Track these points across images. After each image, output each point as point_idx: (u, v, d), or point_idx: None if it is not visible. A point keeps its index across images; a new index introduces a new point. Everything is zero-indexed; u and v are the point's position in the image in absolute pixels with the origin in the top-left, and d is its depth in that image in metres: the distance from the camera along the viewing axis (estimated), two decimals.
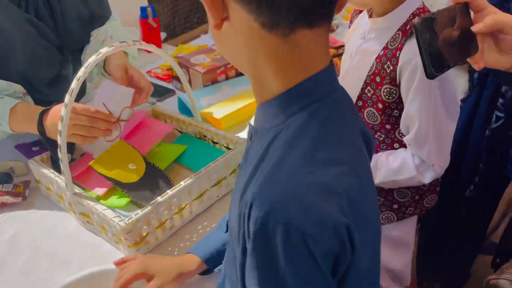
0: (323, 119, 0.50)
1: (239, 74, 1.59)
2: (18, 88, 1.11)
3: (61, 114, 0.85)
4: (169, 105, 1.45)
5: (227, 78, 1.56)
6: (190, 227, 0.97)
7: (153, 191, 0.96)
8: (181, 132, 1.24)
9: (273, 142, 0.51)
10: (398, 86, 0.95)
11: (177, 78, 1.58)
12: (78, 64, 1.23)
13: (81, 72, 0.85)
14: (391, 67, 0.94)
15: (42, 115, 1.00)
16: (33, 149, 1.23)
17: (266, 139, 0.53)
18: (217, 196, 1.04)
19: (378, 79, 0.98)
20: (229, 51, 0.56)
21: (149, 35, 2.81)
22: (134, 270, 0.77)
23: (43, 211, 1.02)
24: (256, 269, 0.46)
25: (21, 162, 1.14)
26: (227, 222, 0.85)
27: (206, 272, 0.82)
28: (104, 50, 0.88)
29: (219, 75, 1.53)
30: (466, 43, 0.66)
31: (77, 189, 0.92)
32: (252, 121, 0.62)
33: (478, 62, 0.69)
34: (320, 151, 0.48)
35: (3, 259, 0.89)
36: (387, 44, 0.95)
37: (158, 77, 1.69)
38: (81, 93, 1.36)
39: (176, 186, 0.91)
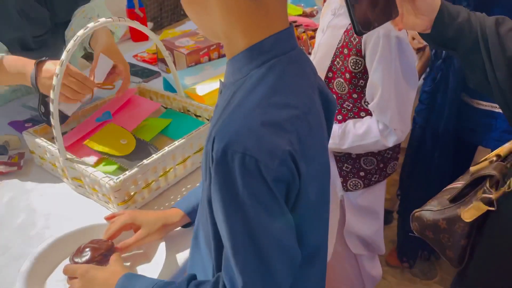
0: (279, 72, 0.59)
1: (221, 56, 1.67)
2: (1, 46, 1.16)
3: (54, 79, 0.92)
4: (154, 85, 1.51)
5: (210, 60, 1.64)
6: (175, 189, 1.05)
7: (142, 159, 1.03)
8: (166, 108, 1.32)
9: (235, 93, 0.59)
10: (363, 57, 1.04)
11: (162, 60, 1.66)
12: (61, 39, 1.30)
13: (70, 45, 0.93)
14: (357, 39, 1.03)
15: (36, 66, 1.05)
16: (26, 125, 1.30)
17: (231, 91, 0.61)
18: (199, 162, 1.12)
19: (345, 51, 1.07)
20: (201, 16, 0.63)
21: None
22: (122, 221, 0.85)
23: (38, 179, 1.10)
24: (219, 191, 0.54)
25: (15, 136, 1.21)
26: None
27: (189, 225, 0.90)
28: (91, 25, 0.95)
29: (202, 57, 1.61)
30: (388, 7, 0.75)
31: (69, 155, 1.00)
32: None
33: (398, 25, 0.79)
34: (275, 96, 0.56)
35: (1, 220, 0.97)
36: None
37: (144, 61, 1.77)
38: None
39: (161, 151, 1.00)
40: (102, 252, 0.80)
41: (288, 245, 0.57)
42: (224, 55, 1.68)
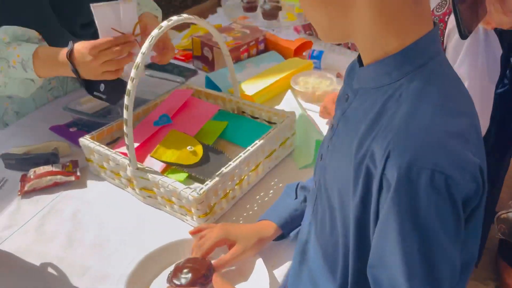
0: (442, 75, 0.54)
1: (259, 52, 1.61)
2: (33, 33, 1.09)
3: (128, 88, 0.85)
4: (192, 85, 1.45)
5: (249, 56, 1.57)
6: (249, 197, 0.99)
7: (213, 167, 0.97)
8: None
9: (390, 99, 0.54)
10: (444, 50, 1.00)
11: (198, 58, 1.59)
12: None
13: (145, 47, 0.85)
14: (439, 32, 0.99)
15: (69, 56, 1.00)
16: (71, 130, 1.22)
17: (377, 97, 0.56)
18: (269, 168, 1.06)
19: None
20: (334, 18, 0.57)
21: None
22: (216, 237, 0.80)
23: (97, 189, 1.03)
24: (397, 211, 0.49)
25: (64, 142, 1.14)
26: (296, 189, 0.88)
27: (280, 237, 0.85)
28: (164, 24, 0.88)
29: (242, 53, 1.54)
30: (479, 6, 0.71)
31: (140, 165, 0.93)
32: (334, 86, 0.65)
33: (490, 23, 0.76)
34: (449, 103, 0.52)
35: (71, 236, 0.90)
36: (433, 10, 0.99)
37: (175, 58, 1.69)
38: None
39: (237, 157, 0.94)
40: (203, 273, 0.74)
41: (457, 265, 0.52)
42: (262, 51, 1.61)
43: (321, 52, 1.55)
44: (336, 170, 0.62)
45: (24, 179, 1.03)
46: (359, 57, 0.62)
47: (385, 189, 0.50)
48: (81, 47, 1.00)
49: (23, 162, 1.07)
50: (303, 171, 1.07)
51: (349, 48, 1.66)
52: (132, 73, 0.85)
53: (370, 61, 0.57)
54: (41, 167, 1.04)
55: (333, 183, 0.63)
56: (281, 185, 1.03)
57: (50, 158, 1.08)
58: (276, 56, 1.57)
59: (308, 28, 1.79)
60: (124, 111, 0.87)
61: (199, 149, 1.03)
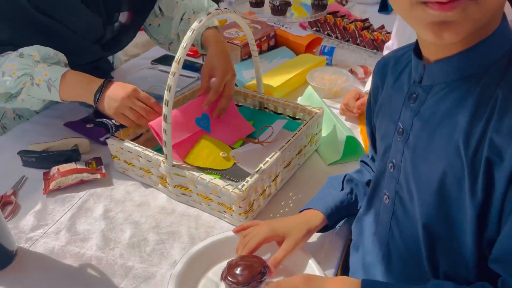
0: None
1: (270, 48, 1.60)
2: (63, 57, 1.08)
3: (168, 82, 0.83)
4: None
5: (260, 52, 1.56)
6: (282, 194, 0.98)
7: (244, 171, 0.95)
8: (237, 105, 1.23)
9: (490, 85, 0.52)
10: None
11: None
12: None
13: (180, 52, 0.82)
14: None
15: (103, 85, 1.01)
16: (87, 126, 1.18)
17: (469, 87, 0.54)
18: (298, 164, 1.06)
19: None
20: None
21: None
22: (263, 234, 0.78)
23: (124, 187, 1.00)
24: None
25: (85, 139, 1.10)
26: (343, 181, 0.87)
27: (323, 229, 0.83)
28: (195, 26, 0.85)
29: None
30: None
31: (175, 162, 0.91)
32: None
33: None
34: None
35: (107, 235, 0.87)
36: None
37: None
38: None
39: (273, 154, 0.92)
40: (260, 270, 0.72)
41: None
42: (273, 47, 1.60)
43: (332, 48, 1.55)
44: (430, 172, 0.59)
45: (47, 177, 0.99)
46: (416, 54, 0.61)
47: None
48: (124, 83, 1.02)
49: (44, 159, 1.03)
50: (332, 167, 1.07)
51: (357, 44, 1.66)
52: (173, 67, 0.83)
53: (444, 56, 0.56)
54: (65, 165, 1.00)
55: (428, 187, 0.59)
56: (312, 181, 1.02)
57: (72, 155, 1.04)
58: (288, 52, 1.57)
59: (314, 24, 1.79)
60: (164, 106, 0.84)
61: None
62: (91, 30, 1.14)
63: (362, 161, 0.91)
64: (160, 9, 1.28)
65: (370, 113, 0.78)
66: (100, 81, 1.02)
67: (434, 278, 0.61)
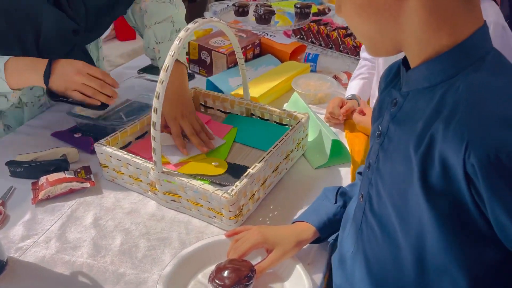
0: (502, 67, 0.56)
1: (256, 56, 1.62)
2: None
3: (156, 90, 0.84)
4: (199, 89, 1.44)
5: (246, 60, 1.58)
6: (271, 198, 1.00)
7: (235, 176, 0.97)
8: (225, 112, 1.25)
9: (448, 92, 0.55)
10: None
11: (195, 62, 1.58)
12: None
13: (174, 48, 0.85)
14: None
15: (50, 65, 1.01)
16: (75, 135, 1.18)
17: (432, 95, 0.57)
18: (286, 169, 1.08)
19: None
20: (383, 27, 0.58)
21: (122, 23, 2.74)
22: (254, 240, 0.79)
23: (114, 195, 1.00)
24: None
25: (73, 148, 1.10)
26: (337, 193, 0.89)
27: (315, 241, 0.85)
28: (182, 35, 0.86)
29: None
30: None
31: (165, 168, 0.92)
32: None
33: None
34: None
35: (97, 243, 0.87)
36: None
37: None
38: None
39: (262, 159, 0.94)
40: (246, 274, 0.74)
41: None
42: (258, 55, 1.63)
43: (316, 55, 1.58)
44: (393, 174, 0.62)
45: (36, 187, 0.99)
46: (403, 62, 0.64)
47: (477, 173, 0.50)
48: (74, 60, 1.03)
49: (32, 169, 1.03)
50: (319, 171, 1.09)
51: (341, 51, 1.70)
52: (162, 75, 0.84)
53: (420, 63, 0.59)
54: (53, 174, 1.00)
55: (391, 189, 0.62)
56: (299, 185, 1.04)
57: (61, 164, 1.04)
58: (273, 59, 1.59)
59: (298, 32, 1.82)
60: (152, 113, 0.85)
61: (224, 165, 1.02)
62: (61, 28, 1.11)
63: (358, 173, 0.93)
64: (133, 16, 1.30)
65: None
66: (45, 61, 1.01)
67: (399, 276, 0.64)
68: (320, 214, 0.84)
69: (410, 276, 0.62)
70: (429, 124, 0.55)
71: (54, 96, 1.07)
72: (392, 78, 0.71)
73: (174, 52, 0.85)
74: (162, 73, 0.84)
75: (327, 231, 0.84)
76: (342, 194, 0.88)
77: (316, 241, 0.85)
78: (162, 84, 0.84)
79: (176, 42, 0.85)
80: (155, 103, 0.85)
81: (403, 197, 0.60)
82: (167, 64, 0.84)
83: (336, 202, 0.87)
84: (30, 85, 1.04)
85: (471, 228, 0.55)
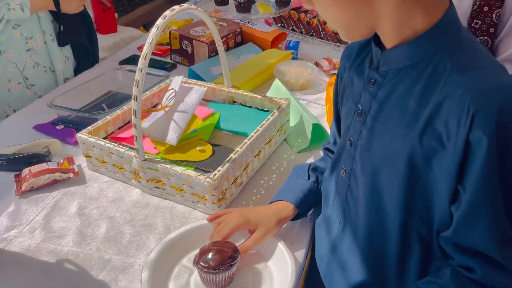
0: (475, 42, 0.60)
1: (237, 44, 1.63)
2: None
3: (136, 78, 0.85)
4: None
5: (228, 49, 1.59)
6: (253, 182, 1.01)
7: (219, 161, 0.98)
8: (207, 101, 1.26)
9: (435, 71, 0.58)
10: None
11: (176, 52, 1.58)
12: None
13: (152, 35, 0.85)
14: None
15: None
16: (58, 128, 1.18)
17: (418, 73, 0.59)
18: (268, 154, 1.09)
19: (485, 8, 1.10)
20: (359, 13, 0.60)
21: (103, 16, 2.71)
22: (236, 221, 0.81)
23: (98, 184, 1.01)
24: (499, 169, 0.53)
25: (55, 140, 1.10)
26: (308, 170, 0.91)
27: (295, 217, 0.87)
28: (159, 22, 0.86)
29: None
30: None
31: (148, 156, 0.93)
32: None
33: None
34: (495, 61, 0.58)
35: (83, 231, 0.88)
36: None
37: (152, 53, 1.66)
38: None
39: (243, 144, 0.96)
40: (230, 255, 0.75)
41: None
42: (239, 43, 1.63)
43: (297, 43, 1.59)
44: (384, 149, 0.64)
45: (19, 179, 1.00)
46: (376, 42, 0.65)
47: (474, 147, 0.53)
48: None
49: (15, 162, 1.03)
50: (301, 155, 1.11)
51: (321, 38, 1.71)
52: (140, 63, 0.85)
53: (397, 43, 0.60)
54: (36, 166, 1.00)
55: (382, 163, 0.65)
56: (282, 169, 1.06)
57: (43, 156, 1.04)
58: (254, 47, 1.60)
59: (279, 20, 1.83)
60: (133, 101, 0.86)
61: (209, 148, 1.03)
62: None
63: (325, 149, 0.95)
64: None
65: (336, 95, 0.82)
66: None
67: (384, 241, 0.67)
68: (296, 191, 0.87)
69: (394, 239, 0.66)
70: (424, 101, 0.58)
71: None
72: (355, 58, 0.73)
73: (152, 40, 0.85)
74: (140, 60, 0.85)
75: (304, 206, 0.87)
76: (314, 170, 0.91)
77: (295, 217, 0.87)
78: (141, 72, 0.85)
79: (153, 30, 0.86)
80: (134, 90, 0.85)
81: (393, 170, 0.63)
82: (146, 52, 0.85)
83: (309, 178, 0.90)
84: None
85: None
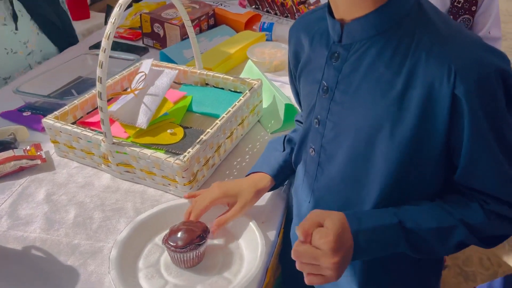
0: (434, 6, 0.61)
1: (210, 27, 1.60)
2: None
3: (99, 59, 0.82)
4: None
5: (200, 31, 1.56)
6: (226, 164, 1.00)
7: (190, 143, 0.97)
8: (178, 83, 1.24)
9: (405, 36, 0.58)
10: None
11: (148, 35, 1.55)
12: None
13: (114, 14, 0.82)
14: None
15: None
16: (24, 114, 1.15)
17: (387, 40, 0.59)
18: (241, 135, 1.08)
19: None
20: None
21: (75, 2, 2.65)
22: (215, 194, 0.80)
23: (66, 170, 0.99)
24: (486, 117, 0.55)
25: (22, 127, 1.07)
26: (284, 142, 0.91)
27: (271, 188, 0.87)
28: (122, 1, 0.83)
29: (194, 28, 1.52)
30: None
31: (116, 139, 0.91)
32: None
33: None
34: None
35: (50, 218, 0.86)
36: None
37: (122, 37, 1.63)
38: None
39: (214, 125, 0.94)
40: (199, 234, 0.74)
41: None
42: (212, 26, 1.61)
43: (271, 24, 1.58)
44: (359, 122, 0.63)
45: None
46: (330, 14, 0.64)
47: (461, 101, 0.55)
48: None
49: None
50: (274, 136, 1.10)
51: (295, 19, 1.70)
52: (103, 43, 0.82)
53: (359, 14, 0.60)
54: (1, 153, 0.97)
55: (359, 136, 0.64)
56: (255, 150, 1.05)
57: (9, 143, 1.02)
58: (228, 29, 1.58)
59: (253, 2, 1.81)
60: (97, 83, 0.84)
61: (180, 131, 1.01)
62: None
63: (297, 121, 0.95)
64: None
65: (291, 76, 0.82)
66: None
67: None
68: (272, 163, 0.87)
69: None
70: (397, 67, 0.58)
71: None
72: (306, 34, 0.72)
73: (115, 19, 0.83)
74: (104, 41, 0.82)
75: (280, 177, 0.86)
76: (289, 141, 0.91)
77: (272, 188, 0.87)
78: (104, 52, 0.82)
79: (116, 9, 0.83)
80: (98, 72, 0.83)
81: (369, 143, 0.63)
82: (109, 32, 0.82)
83: (284, 150, 0.89)
84: None
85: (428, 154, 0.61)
